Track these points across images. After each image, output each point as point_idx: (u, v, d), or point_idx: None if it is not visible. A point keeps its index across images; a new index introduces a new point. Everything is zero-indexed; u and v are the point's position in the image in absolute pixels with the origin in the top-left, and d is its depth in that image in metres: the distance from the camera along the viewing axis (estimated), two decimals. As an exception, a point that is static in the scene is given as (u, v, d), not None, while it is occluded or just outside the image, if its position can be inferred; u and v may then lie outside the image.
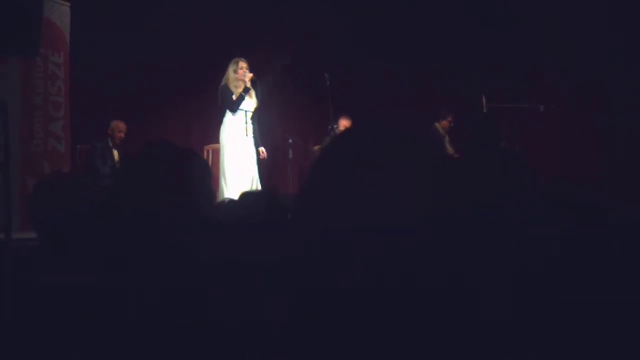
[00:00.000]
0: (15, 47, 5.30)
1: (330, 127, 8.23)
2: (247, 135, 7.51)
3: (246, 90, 7.46)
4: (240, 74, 7.50)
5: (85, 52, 8.12)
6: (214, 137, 8.74)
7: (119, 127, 8.33)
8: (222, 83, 7.58)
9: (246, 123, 7.53)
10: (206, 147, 8.70)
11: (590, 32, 8.79)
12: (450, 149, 9.13)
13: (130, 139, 8.45)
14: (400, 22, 9.63)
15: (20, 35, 5.17)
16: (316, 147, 9.32)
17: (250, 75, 7.48)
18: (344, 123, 8.53)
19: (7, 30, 5.05)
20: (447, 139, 9.22)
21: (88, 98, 8.35)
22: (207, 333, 1.36)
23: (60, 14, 7.35)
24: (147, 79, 9.14)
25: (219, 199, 7.16)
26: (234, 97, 7.48)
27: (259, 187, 7.53)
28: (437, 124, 9.22)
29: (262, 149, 7.78)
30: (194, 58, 9.23)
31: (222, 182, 7.55)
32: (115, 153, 8.33)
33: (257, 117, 7.74)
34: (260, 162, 7.75)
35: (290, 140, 8.76)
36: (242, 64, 7.54)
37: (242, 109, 7.51)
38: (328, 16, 9.44)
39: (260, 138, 7.78)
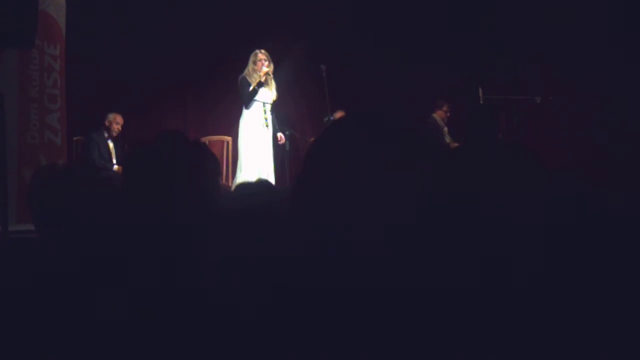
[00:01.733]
0: (11, 40, 5.27)
1: (326, 118, 8.23)
2: (267, 126, 7.52)
3: (259, 85, 7.44)
4: (258, 66, 7.49)
5: (82, 44, 8.10)
6: (212, 129, 8.75)
7: (117, 119, 8.34)
8: (242, 74, 7.58)
9: (265, 115, 7.53)
10: (203, 139, 8.70)
11: (589, 24, 8.78)
12: (449, 140, 9.14)
13: (127, 131, 8.45)
14: (397, 13, 9.61)
15: (15, 27, 5.15)
16: (313, 139, 9.30)
17: (265, 70, 7.46)
18: (340, 115, 8.56)
19: (2, 22, 5.03)
20: (445, 129, 9.23)
21: (84, 90, 8.33)
22: (206, 330, 1.35)
23: (56, 6, 7.31)
24: (145, 71, 9.12)
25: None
26: (250, 89, 7.50)
27: (272, 179, 7.52)
28: (434, 115, 9.24)
29: (280, 134, 7.84)
30: (192, 50, 9.20)
31: (238, 173, 7.60)
32: (111, 145, 8.33)
33: (276, 108, 7.77)
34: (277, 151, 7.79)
35: (287, 132, 8.75)
36: (261, 56, 7.53)
37: (260, 101, 7.51)
38: (325, 8, 9.42)
39: (280, 125, 7.83)
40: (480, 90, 8.65)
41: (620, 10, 8.70)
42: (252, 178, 7.26)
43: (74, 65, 7.78)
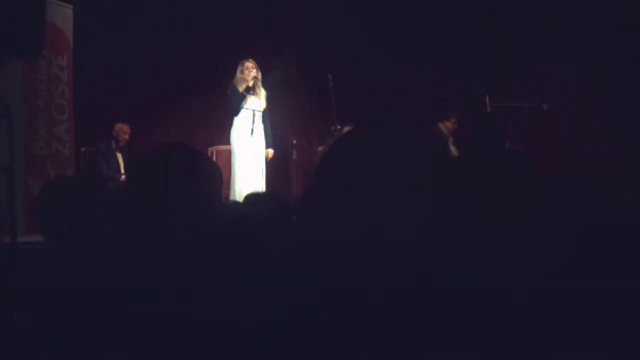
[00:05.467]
0: (19, 50, 5.31)
1: (333, 128, 8.23)
2: (252, 134, 7.54)
3: (247, 90, 7.50)
4: (245, 74, 7.56)
5: (89, 54, 8.14)
6: (218, 139, 8.75)
7: (124, 129, 8.37)
8: (231, 83, 7.65)
9: (253, 122, 7.55)
10: (210, 149, 8.72)
11: (597, 32, 8.79)
12: (454, 150, 9.12)
13: (134, 141, 8.48)
14: (404, 21, 9.63)
15: (23, 38, 5.18)
16: (320, 148, 9.31)
17: (252, 75, 7.52)
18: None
19: (10, 33, 5.07)
20: (451, 139, 9.21)
21: (92, 101, 8.37)
22: (208, 332, 1.36)
23: (62, 17, 7.36)
24: (151, 81, 9.17)
25: (231, 198, 7.27)
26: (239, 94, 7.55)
27: (263, 188, 7.54)
28: (440, 125, 9.21)
29: (269, 150, 7.81)
30: (198, 59, 9.24)
31: (233, 181, 7.62)
32: (119, 156, 8.36)
33: (268, 117, 7.77)
34: (267, 162, 7.77)
35: (294, 141, 8.76)
36: (248, 64, 7.61)
37: (248, 109, 7.54)
38: (332, 16, 9.44)
39: (271, 138, 7.82)
40: (487, 98, 8.64)
41: (629, 17, 8.70)
42: (244, 186, 7.31)
43: (81, 76, 7.82)
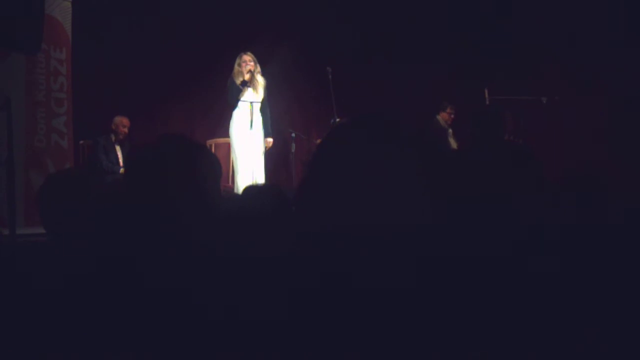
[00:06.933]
0: (17, 44, 5.31)
1: (332, 120, 8.22)
2: (251, 127, 7.55)
3: (243, 84, 7.51)
4: (243, 67, 7.57)
5: (88, 47, 8.12)
6: (218, 131, 8.75)
7: (123, 122, 8.34)
8: (230, 77, 7.67)
9: (251, 115, 7.57)
10: (209, 142, 8.72)
11: (593, 24, 8.78)
12: (453, 142, 9.12)
13: (134, 134, 8.47)
14: (402, 15, 9.62)
15: (22, 31, 5.18)
16: (319, 141, 9.30)
17: (249, 68, 7.53)
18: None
19: (9, 26, 5.06)
20: (450, 131, 9.20)
21: (91, 93, 8.35)
22: (207, 329, 1.36)
23: (61, 10, 7.35)
24: (150, 74, 9.14)
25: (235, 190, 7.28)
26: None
27: (262, 180, 7.55)
28: (437, 116, 9.22)
29: (268, 139, 7.82)
30: (198, 52, 9.22)
31: (235, 174, 7.66)
32: (118, 148, 8.34)
33: (268, 109, 7.78)
34: (266, 155, 7.78)
35: (293, 134, 8.75)
36: (245, 57, 7.62)
37: (246, 101, 7.55)
38: (331, 10, 9.43)
39: (270, 128, 7.82)
40: (486, 91, 8.63)
41: (629, 9, 8.69)
42: (246, 179, 7.33)
43: (80, 68, 7.81)
